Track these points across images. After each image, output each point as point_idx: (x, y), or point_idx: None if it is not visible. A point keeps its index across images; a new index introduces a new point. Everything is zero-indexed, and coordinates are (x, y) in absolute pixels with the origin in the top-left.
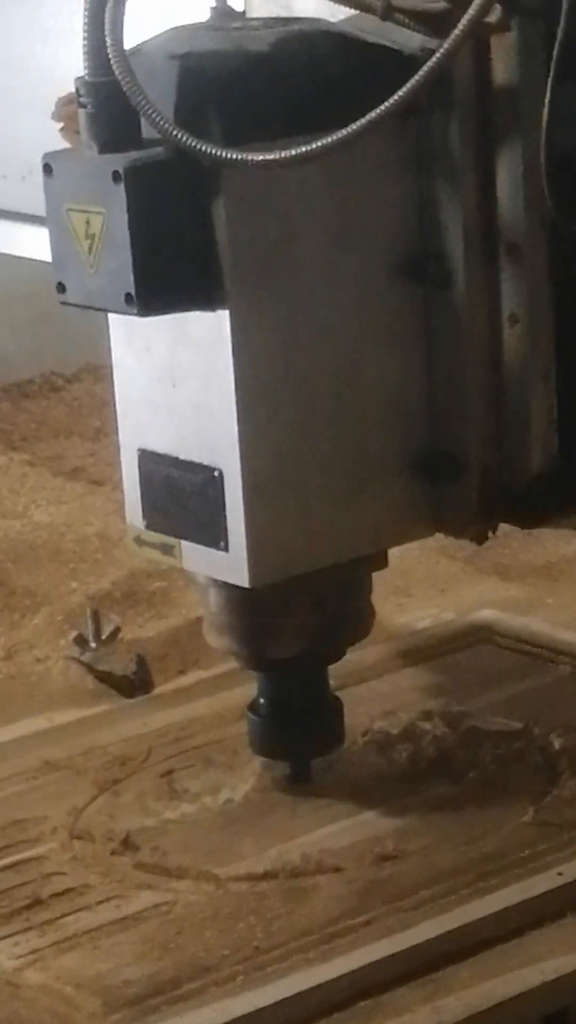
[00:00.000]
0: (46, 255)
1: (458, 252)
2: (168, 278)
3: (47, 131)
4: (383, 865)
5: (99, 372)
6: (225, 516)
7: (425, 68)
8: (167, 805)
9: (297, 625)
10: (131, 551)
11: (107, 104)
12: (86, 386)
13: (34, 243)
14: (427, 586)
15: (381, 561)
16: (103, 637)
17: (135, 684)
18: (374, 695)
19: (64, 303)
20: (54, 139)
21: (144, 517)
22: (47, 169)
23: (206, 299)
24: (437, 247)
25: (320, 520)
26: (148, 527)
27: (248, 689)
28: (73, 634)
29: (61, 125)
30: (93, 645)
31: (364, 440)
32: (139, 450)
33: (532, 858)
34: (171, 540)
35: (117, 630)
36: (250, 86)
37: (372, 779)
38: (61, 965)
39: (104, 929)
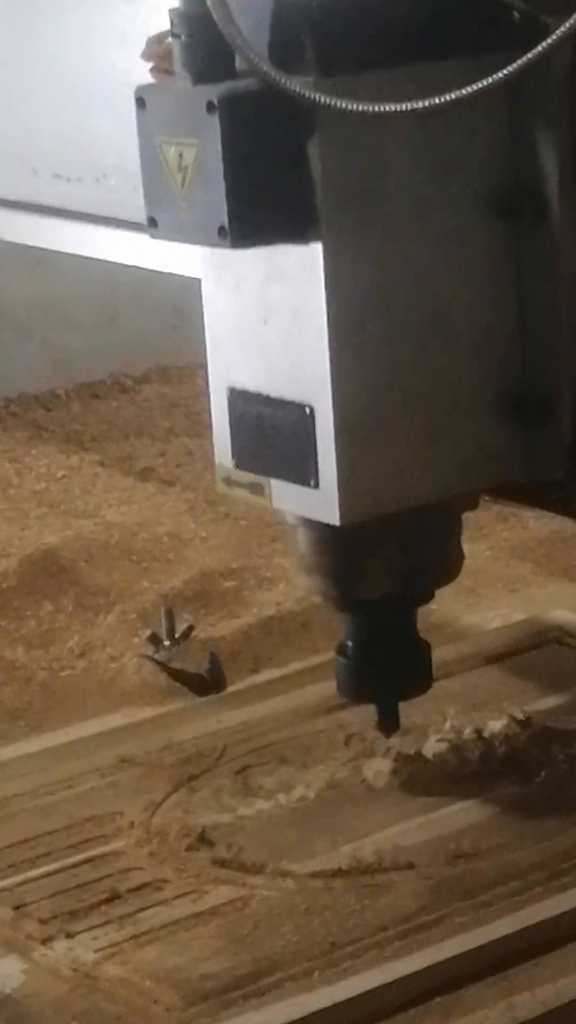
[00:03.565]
0: (117, 257)
1: (552, 188)
2: (261, 211)
3: (120, 135)
4: (456, 862)
5: (167, 374)
6: (316, 453)
7: (547, 43)
8: (242, 801)
9: (385, 566)
10: (219, 491)
11: (201, 35)
12: (155, 387)
13: (107, 245)
14: (497, 587)
15: (472, 502)
16: (176, 636)
17: (208, 682)
18: (445, 694)
19: (155, 238)
20: (127, 143)
21: (233, 456)
22: (140, 103)
23: (299, 233)
24: (531, 184)
25: (410, 459)
26: (237, 466)
27: (321, 687)
28: (147, 633)
29: (151, 65)
30: (167, 643)
31: (454, 379)
32: (229, 388)
33: None
34: (260, 479)
35: (190, 629)
36: (345, 17)
37: (444, 778)
38: (139, 959)
39: (181, 923)
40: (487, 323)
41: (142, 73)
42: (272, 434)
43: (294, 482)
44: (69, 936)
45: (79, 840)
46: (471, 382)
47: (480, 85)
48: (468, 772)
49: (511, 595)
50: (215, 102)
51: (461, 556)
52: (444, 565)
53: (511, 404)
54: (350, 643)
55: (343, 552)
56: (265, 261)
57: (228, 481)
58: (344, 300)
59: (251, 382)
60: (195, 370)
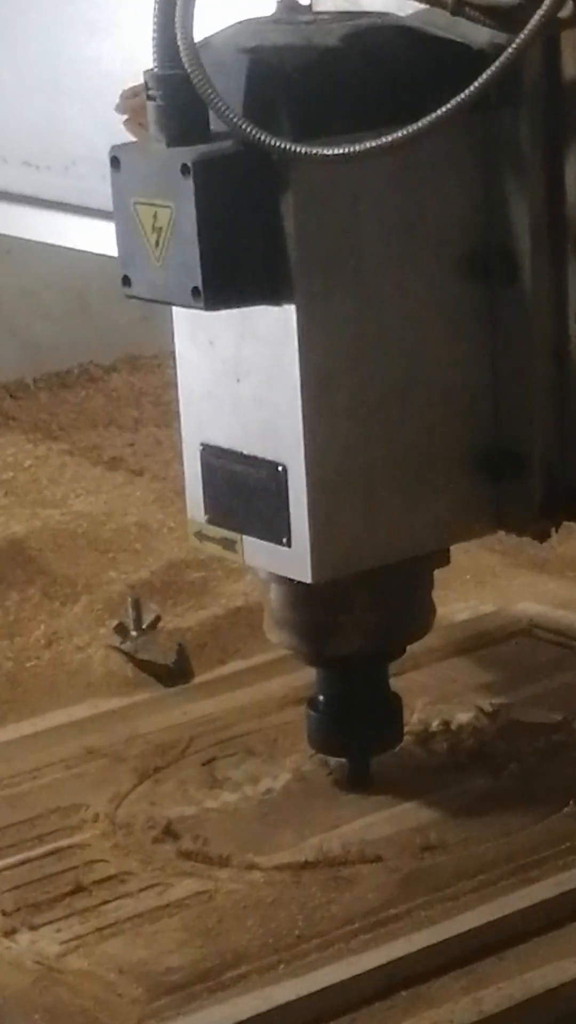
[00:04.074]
0: (87, 245)
1: (524, 248)
2: (235, 272)
3: (90, 123)
4: (424, 855)
5: (136, 363)
6: (288, 511)
7: (497, 64)
8: (208, 794)
9: (357, 622)
10: (193, 546)
11: (176, 97)
12: (124, 377)
13: (76, 233)
14: (466, 578)
15: (443, 558)
16: (144, 626)
17: (175, 673)
18: (414, 687)
19: (129, 296)
20: (97, 132)
21: (206, 512)
22: (115, 163)
23: (273, 294)
24: (503, 243)
25: (383, 517)
26: (210, 522)
27: (289, 679)
28: (114, 623)
29: (125, 117)
30: (134, 634)
31: (428, 437)
32: (202, 444)
33: (572, 850)
34: (233, 535)
35: (157, 619)
36: (319, 80)
37: (412, 770)
38: (104, 951)
39: (146, 916)
40: (460, 381)
41: (112, 62)
42: (245, 491)
43: (266, 539)
44: (33, 928)
45: (44, 832)
46: (444, 439)
47: (448, 107)
48: (436, 765)
49: (479, 587)
50: (189, 165)
51: (433, 611)
52: (416, 621)
53: (484, 460)
54: (321, 697)
55: (315, 609)
56: (239, 320)
57: (200, 535)
58: (317, 359)
59: (224, 439)
60: (164, 359)
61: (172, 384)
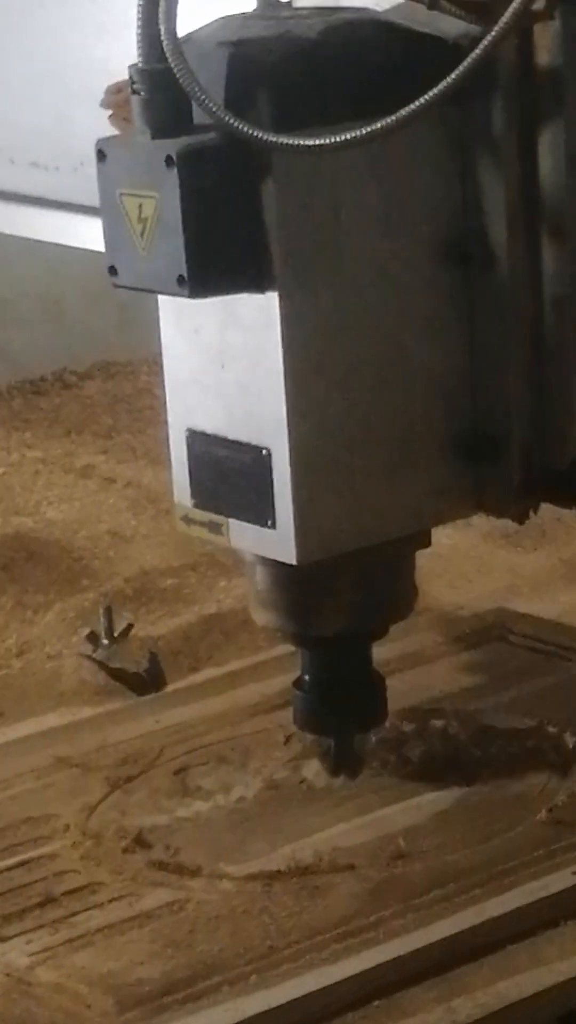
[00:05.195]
0: (96, 245)
1: (501, 235)
2: (219, 261)
3: (100, 123)
4: (396, 864)
5: (111, 370)
6: (273, 495)
7: (472, 56)
8: (180, 803)
9: (342, 603)
10: (179, 530)
11: (160, 91)
12: (98, 384)
13: (87, 233)
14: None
15: (424, 540)
16: (115, 634)
17: (147, 681)
18: (388, 692)
19: (116, 285)
20: (106, 131)
21: (192, 496)
22: (100, 155)
23: (256, 282)
24: (480, 231)
25: (365, 499)
26: (196, 506)
27: (261, 686)
28: (86, 631)
29: (110, 112)
30: (105, 642)
31: (408, 421)
32: (187, 430)
33: (546, 857)
34: (219, 519)
35: (129, 627)
36: (299, 73)
37: (385, 777)
38: (73, 963)
39: (117, 927)
40: (440, 366)
41: (120, 62)
42: (230, 475)
43: (252, 522)
44: (2, 940)
45: (13, 842)
46: (424, 423)
47: (426, 98)
48: (408, 771)
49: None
50: (174, 156)
51: (415, 592)
52: (398, 601)
53: (463, 444)
54: (307, 677)
55: (299, 590)
56: (222, 308)
57: (187, 520)
58: (299, 345)
59: (209, 424)
60: (139, 366)
61: (147, 391)
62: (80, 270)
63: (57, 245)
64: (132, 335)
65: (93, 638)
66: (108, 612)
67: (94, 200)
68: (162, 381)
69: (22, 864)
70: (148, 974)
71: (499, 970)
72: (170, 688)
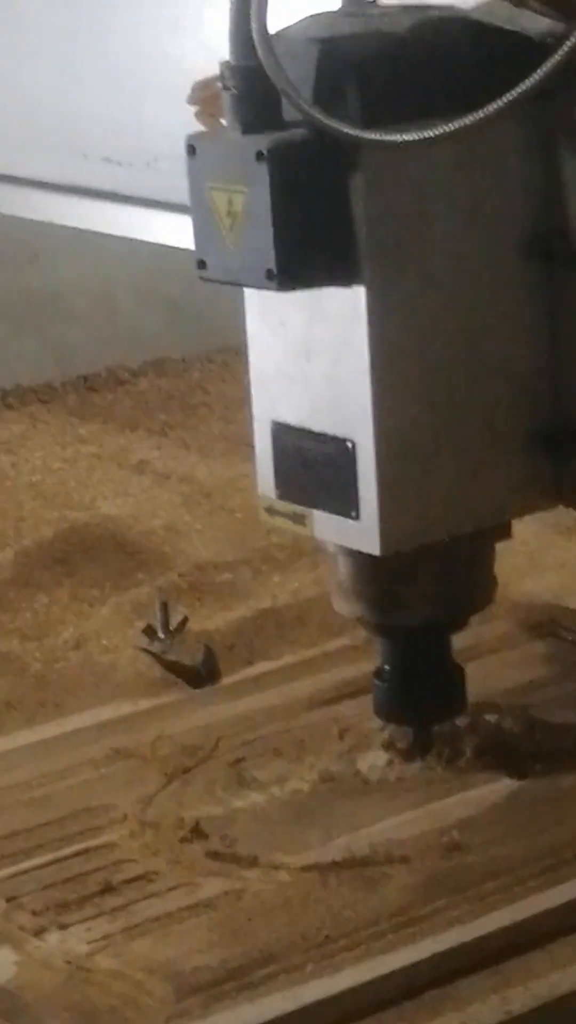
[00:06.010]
0: (168, 240)
1: None
2: (307, 255)
3: (172, 120)
4: (450, 856)
5: (163, 367)
6: (357, 486)
7: (559, 52)
8: (236, 794)
9: (423, 594)
10: (262, 520)
11: (251, 87)
12: (151, 380)
13: (157, 228)
14: None
15: (505, 532)
16: (171, 628)
17: (203, 674)
18: None
19: (204, 279)
20: (179, 127)
21: (276, 487)
22: (191, 150)
23: (343, 275)
24: (563, 226)
25: (448, 491)
26: (280, 497)
27: (315, 680)
28: (141, 624)
29: (196, 108)
30: (162, 635)
31: (490, 414)
32: (272, 422)
33: None
34: (302, 510)
35: (185, 620)
36: (387, 69)
37: (438, 771)
38: (132, 951)
39: (175, 915)
40: (521, 360)
41: (193, 60)
42: (314, 467)
43: (335, 513)
44: (62, 928)
45: (72, 832)
46: (506, 416)
47: (512, 95)
48: (462, 765)
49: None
50: (264, 152)
51: (495, 584)
52: (478, 592)
53: (543, 438)
54: (387, 667)
55: (382, 580)
56: (309, 301)
57: (270, 511)
58: (385, 339)
59: (294, 416)
60: (191, 363)
61: (199, 388)
62: (132, 267)
63: (109, 240)
64: (182, 332)
65: (150, 632)
66: (164, 606)
67: (167, 195)
68: (216, 378)
69: (80, 853)
70: (206, 962)
71: (553, 961)
72: (225, 681)
